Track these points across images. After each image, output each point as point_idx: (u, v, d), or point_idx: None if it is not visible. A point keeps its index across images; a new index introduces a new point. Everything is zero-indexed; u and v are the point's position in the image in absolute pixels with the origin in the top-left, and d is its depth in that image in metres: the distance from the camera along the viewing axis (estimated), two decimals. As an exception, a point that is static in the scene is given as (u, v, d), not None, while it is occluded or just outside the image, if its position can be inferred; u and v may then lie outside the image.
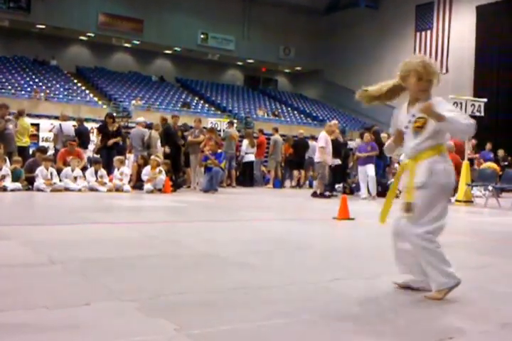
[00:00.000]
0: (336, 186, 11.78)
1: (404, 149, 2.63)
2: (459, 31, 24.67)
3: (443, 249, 2.50)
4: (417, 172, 2.49)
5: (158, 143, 11.28)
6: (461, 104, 10.07)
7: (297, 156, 14.09)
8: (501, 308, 2.42)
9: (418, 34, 26.70)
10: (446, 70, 25.00)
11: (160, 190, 9.78)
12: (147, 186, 9.69)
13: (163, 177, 9.84)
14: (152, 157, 10.23)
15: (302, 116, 28.05)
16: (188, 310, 2.18)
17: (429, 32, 26.10)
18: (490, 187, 10.15)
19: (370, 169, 10.31)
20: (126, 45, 27.73)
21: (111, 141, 10.69)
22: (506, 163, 14.51)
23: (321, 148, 10.02)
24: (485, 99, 10.53)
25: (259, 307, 2.29)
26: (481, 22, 23.17)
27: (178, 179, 11.30)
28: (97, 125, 12.98)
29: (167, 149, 10.82)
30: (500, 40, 21.82)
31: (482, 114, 10.18)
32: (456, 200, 9.53)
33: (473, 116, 11.05)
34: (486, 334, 2.03)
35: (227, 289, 2.57)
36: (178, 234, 4.57)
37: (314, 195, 10.09)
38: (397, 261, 2.64)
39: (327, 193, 10.55)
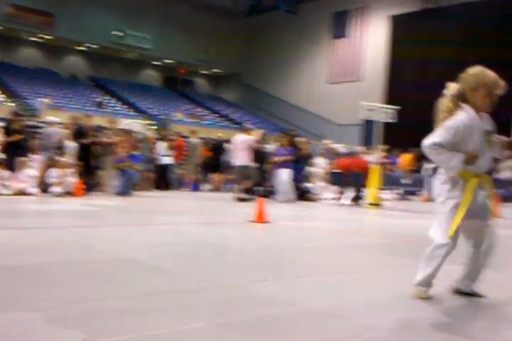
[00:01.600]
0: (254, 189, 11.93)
1: (482, 163, 2.55)
2: (374, 40, 25.27)
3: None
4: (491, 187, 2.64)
5: (69, 144, 10.72)
6: (373, 110, 10.74)
7: (215, 159, 14.10)
8: (399, 308, 2.60)
9: (334, 41, 27.26)
10: (361, 78, 26.12)
11: (70, 193, 9.31)
12: (56, 189, 9.17)
13: (72, 179, 9.38)
14: (60, 158, 9.70)
15: (221, 119, 28.13)
16: (101, 319, 2.10)
17: (345, 39, 26.55)
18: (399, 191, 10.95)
19: (286, 173, 10.54)
20: (35, 39, 26.04)
21: (11, 138, 10.04)
22: (415, 168, 15.39)
23: (246, 151, 10.14)
24: (397, 107, 11.27)
25: (176, 312, 2.26)
26: (394, 31, 23.98)
27: (90, 182, 10.81)
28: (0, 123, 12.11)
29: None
30: (412, 49, 22.33)
31: (396, 120, 10.97)
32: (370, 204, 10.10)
33: (386, 123, 11.90)
34: (389, 332, 2.17)
35: (142, 295, 2.51)
36: (91, 239, 4.39)
37: (234, 198, 10.14)
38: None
39: (246, 196, 10.66)
